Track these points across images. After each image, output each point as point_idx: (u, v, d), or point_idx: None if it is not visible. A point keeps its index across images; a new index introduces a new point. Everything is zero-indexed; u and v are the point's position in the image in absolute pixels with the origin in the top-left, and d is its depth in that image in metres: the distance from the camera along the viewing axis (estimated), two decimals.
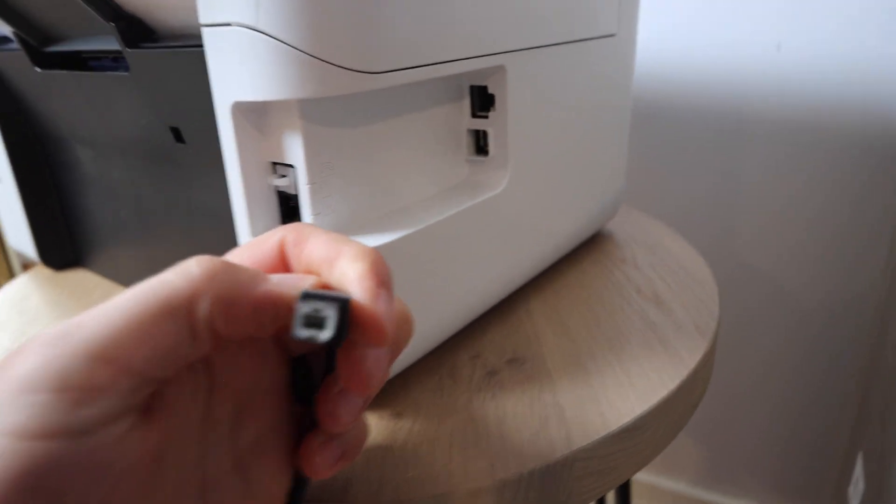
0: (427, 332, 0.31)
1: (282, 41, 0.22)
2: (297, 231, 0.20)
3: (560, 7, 0.34)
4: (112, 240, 0.42)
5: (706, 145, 0.70)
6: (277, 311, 0.18)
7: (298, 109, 0.24)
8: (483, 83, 0.32)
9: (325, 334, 0.17)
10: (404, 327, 0.21)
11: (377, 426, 0.28)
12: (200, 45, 0.25)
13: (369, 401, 0.21)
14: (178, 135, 0.30)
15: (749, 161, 0.68)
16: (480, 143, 0.34)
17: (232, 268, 0.17)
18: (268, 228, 0.27)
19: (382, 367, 0.19)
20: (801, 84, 0.63)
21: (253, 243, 0.21)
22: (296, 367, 0.22)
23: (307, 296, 0.17)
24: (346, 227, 0.27)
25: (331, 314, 0.17)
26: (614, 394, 0.29)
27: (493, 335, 0.35)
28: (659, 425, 0.29)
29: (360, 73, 0.23)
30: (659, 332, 0.35)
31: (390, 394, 0.30)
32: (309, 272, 0.20)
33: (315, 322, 0.17)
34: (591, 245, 0.47)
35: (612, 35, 0.40)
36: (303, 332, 0.17)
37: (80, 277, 0.46)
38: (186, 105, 0.28)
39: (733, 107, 0.67)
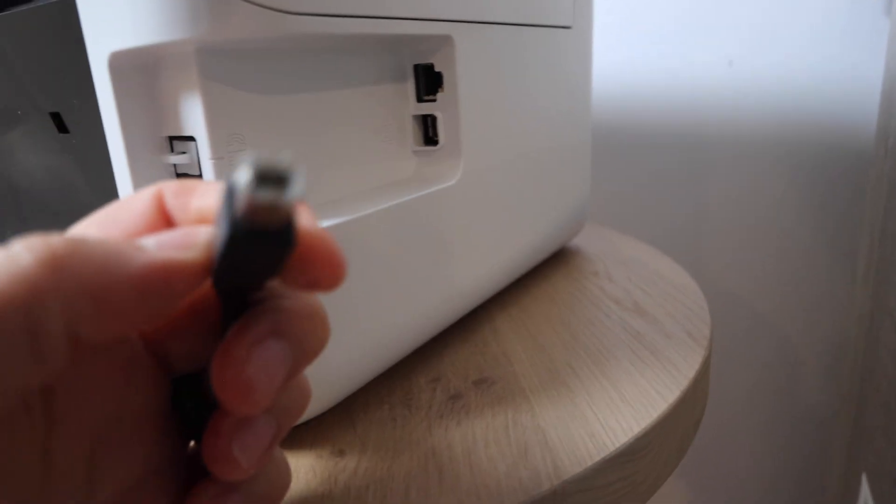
0: (372, 350, 0.25)
1: None
2: (180, 182, 0.15)
3: None
4: None
5: (668, 164, 0.68)
6: (172, 287, 0.12)
7: (196, 62, 0.19)
8: (429, 60, 0.28)
9: (293, 191, 0.11)
10: (317, 325, 0.15)
11: (313, 468, 0.21)
12: None
13: (282, 435, 0.15)
14: (59, 122, 0.25)
15: (711, 177, 0.66)
16: (429, 133, 0.29)
17: (83, 245, 0.12)
18: None
19: (274, 367, 0.13)
20: (754, 99, 0.62)
21: (113, 206, 0.15)
22: (180, 387, 0.16)
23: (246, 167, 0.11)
24: None
25: (294, 173, 0.11)
26: (605, 411, 0.24)
27: (454, 356, 0.29)
28: (662, 446, 0.24)
29: (269, 11, 0.19)
30: (647, 342, 0.30)
31: (329, 427, 0.24)
32: (203, 223, 0.14)
33: (269, 178, 0.11)
34: (557, 260, 0.42)
35: (568, 27, 0.37)
36: (261, 193, 0.10)
37: None
38: (63, 78, 0.23)
39: (692, 124, 0.65)
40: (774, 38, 0.59)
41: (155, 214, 0.15)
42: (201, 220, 0.14)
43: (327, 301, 0.15)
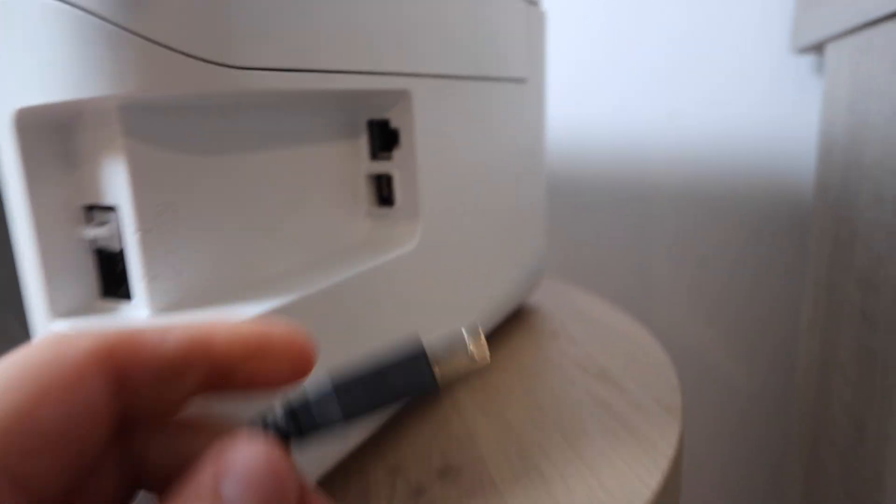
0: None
1: (87, 10, 0.15)
2: (123, 335, 0.12)
3: (469, 35, 0.29)
4: None
5: (614, 215, 0.68)
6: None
7: (120, 120, 0.17)
8: (384, 116, 0.26)
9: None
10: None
11: None
12: None
13: None
14: None
15: (656, 228, 0.66)
16: (383, 192, 0.27)
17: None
18: (77, 308, 0.18)
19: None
20: (694, 150, 0.63)
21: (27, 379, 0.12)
22: None
23: None
24: (199, 295, 0.19)
25: None
26: (585, 503, 0.22)
27: (414, 439, 0.26)
28: None
29: (211, 65, 0.16)
30: (618, 415, 0.28)
31: None
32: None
33: None
34: (515, 320, 0.40)
35: (522, 80, 0.36)
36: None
37: None
38: None
39: (635, 176, 0.66)
40: (711, 90, 0.61)
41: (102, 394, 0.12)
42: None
43: None
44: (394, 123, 0.26)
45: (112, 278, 0.19)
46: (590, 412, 0.28)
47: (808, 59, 0.57)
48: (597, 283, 0.69)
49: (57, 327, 0.18)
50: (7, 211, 0.17)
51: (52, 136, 0.17)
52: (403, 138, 0.26)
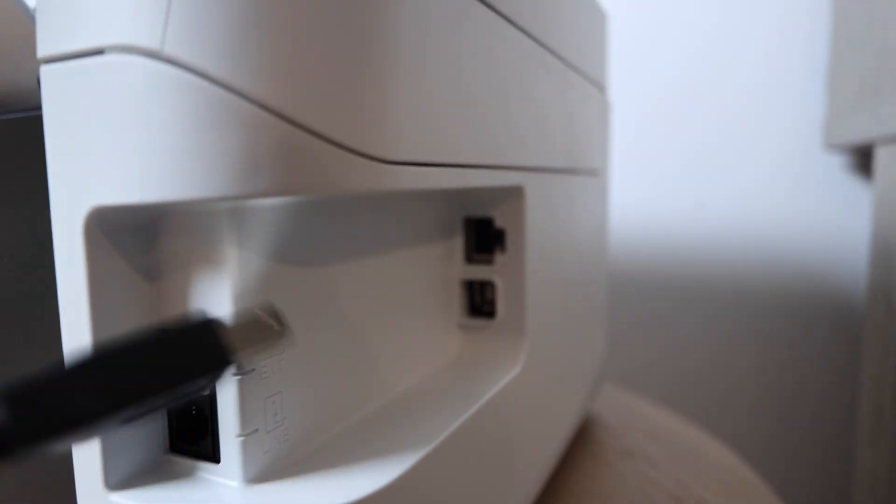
0: None
1: (217, 82, 0.11)
2: None
3: (566, 124, 0.26)
4: None
5: (648, 311, 0.64)
6: None
7: (230, 224, 0.13)
8: (487, 213, 0.22)
9: None
10: None
11: None
12: (36, 109, 0.13)
13: None
14: None
15: (697, 324, 0.63)
16: (476, 301, 0.23)
17: None
18: (139, 470, 0.14)
19: None
20: (724, 244, 0.61)
21: None
22: None
23: None
24: (299, 456, 0.14)
25: None
26: None
27: None
28: None
29: (363, 159, 0.12)
30: None
31: None
32: None
33: None
34: (580, 436, 0.36)
35: (595, 172, 0.33)
36: None
37: None
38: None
39: (672, 270, 0.63)
40: (744, 184, 0.59)
41: None
42: None
43: None
44: (499, 223, 0.22)
45: (187, 429, 0.14)
46: None
47: (840, 158, 0.56)
48: (637, 385, 0.65)
49: (115, 502, 0.13)
50: (61, 335, 0.13)
51: (129, 240, 0.13)
52: (510, 240, 0.22)
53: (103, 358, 0.10)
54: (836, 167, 0.56)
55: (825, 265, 0.58)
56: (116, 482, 0.13)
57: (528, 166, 0.22)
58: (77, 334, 0.12)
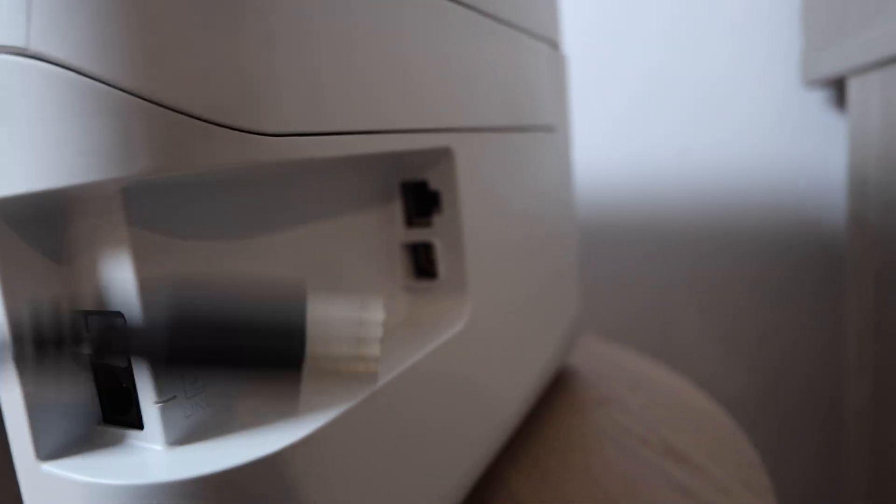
0: None
1: (82, 73, 0.12)
2: None
3: (504, 82, 0.26)
4: None
5: (632, 257, 0.65)
6: None
7: (123, 205, 0.13)
8: (420, 177, 0.23)
9: None
10: None
11: None
12: None
13: None
14: None
15: (677, 270, 0.63)
16: (420, 263, 0.24)
17: None
18: (73, 441, 0.15)
19: None
20: (706, 187, 0.61)
21: None
22: None
23: None
24: (223, 419, 0.15)
25: None
26: None
27: None
28: None
29: (238, 133, 0.13)
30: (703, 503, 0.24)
31: None
32: None
33: None
34: (556, 387, 0.37)
35: (551, 128, 0.33)
36: None
37: None
38: None
39: (650, 216, 0.63)
40: (725, 128, 0.59)
41: None
42: None
43: None
44: (434, 185, 0.22)
45: (116, 401, 0.15)
46: (671, 501, 0.24)
47: (819, 94, 0.55)
48: (619, 334, 0.66)
49: (47, 471, 0.14)
50: None
51: (35, 228, 0.14)
52: (446, 201, 0.22)
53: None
54: (814, 104, 0.56)
55: (808, 202, 0.58)
56: (48, 453, 0.14)
57: (455, 127, 0.22)
58: None
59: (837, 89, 0.54)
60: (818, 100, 0.56)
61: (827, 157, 0.56)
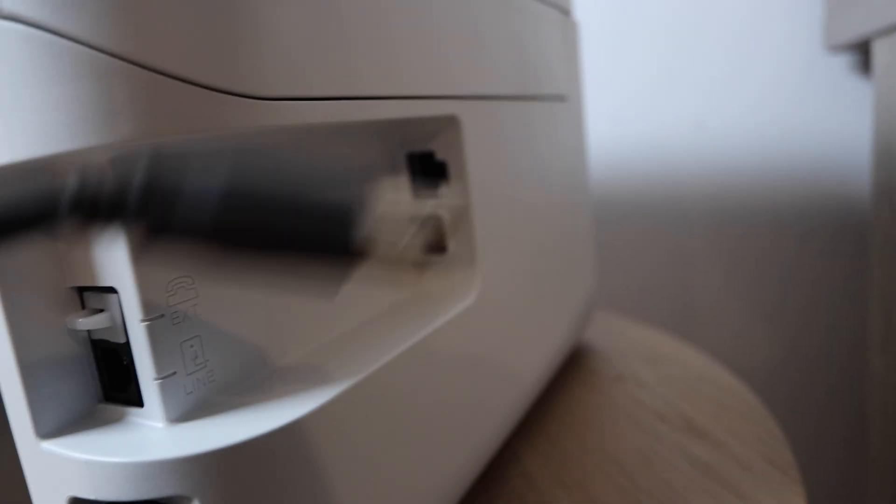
0: None
1: (61, 34, 0.11)
2: None
3: (512, 49, 0.26)
4: None
5: (649, 231, 0.64)
6: None
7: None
8: (426, 147, 0.22)
9: None
10: None
11: None
12: None
13: None
14: None
15: (695, 245, 0.62)
16: (428, 236, 0.23)
17: None
18: (72, 420, 0.14)
19: None
20: (728, 161, 0.59)
21: None
22: None
23: None
24: (227, 395, 0.15)
25: None
26: None
27: None
28: None
29: (229, 97, 0.12)
30: (725, 481, 0.23)
31: None
32: None
33: None
34: (571, 364, 0.36)
35: (563, 97, 0.32)
36: None
37: None
38: None
39: (668, 191, 0.62)
40: (744, 98, 0.57)
41: None
42: None
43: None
44: (440, 155, 0.22)
45: (116, 378, 0.15)
46: (689, 478, 0.24)
47: (843, 59, 0.53)
48: (637, 308, 0.65)
49: (47, 449, 0.13)
50: None
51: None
52: (453, 171, 0.22)
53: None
54: (838, 69, 0.54)
55: (831, 172, 0.56)
56: (47, 431, 0.14)
57: (461, 94, 0.21)
58: None
59: (862, 53, 0.52)
60: (841, 65, 0.54)
61: (851, 125, 0.54)
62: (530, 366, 0.27)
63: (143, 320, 0.13)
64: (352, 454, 0.15)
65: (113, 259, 0.13)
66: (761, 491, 0.23)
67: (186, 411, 0.14)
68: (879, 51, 0.45)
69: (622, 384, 0.33)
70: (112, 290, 0.14)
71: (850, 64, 0.54)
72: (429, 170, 0.22)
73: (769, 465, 0.24)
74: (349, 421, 0.15)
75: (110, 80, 0.11)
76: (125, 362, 0.14)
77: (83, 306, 0.14)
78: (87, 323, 0.14)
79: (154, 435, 0.13)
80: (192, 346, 0.14)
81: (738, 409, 0.29)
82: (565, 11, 0.34)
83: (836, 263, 0.58)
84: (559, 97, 0.32)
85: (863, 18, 0.45)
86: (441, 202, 0.22)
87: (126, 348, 0.14)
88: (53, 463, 0.13)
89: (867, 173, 0.54)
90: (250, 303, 0.16)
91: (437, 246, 0.23)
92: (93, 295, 0.14)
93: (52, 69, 0.11)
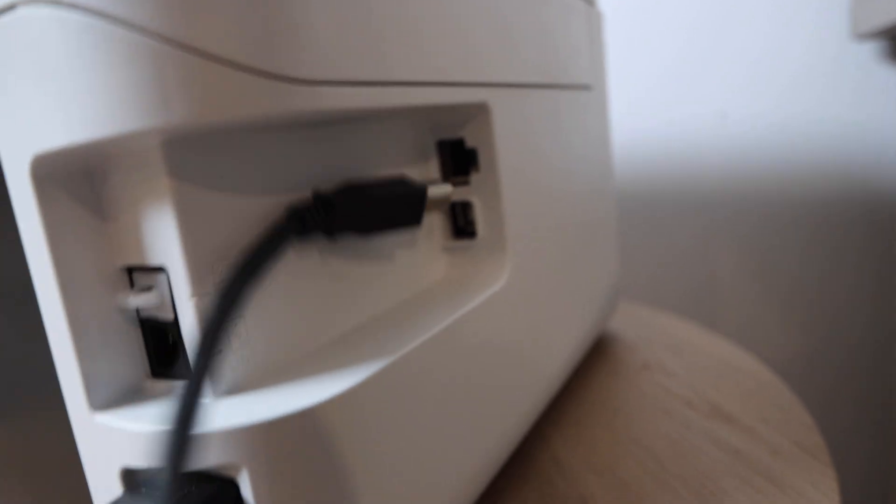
0: None
1: (117, 20, 0.11)
2: None
3: (540, 38, 0.26)
4: None
5: (673, 223, 0.63)
6: None
7: (164, 158, 0.13)
8: (457, 135, 0.22)
9: None
10: None
11: None
12: None
13: None
14: None
15: (720, 238, 0.62)
16: (458, 222, 0.23)
17: None
18: (123, 393, 0.15)
19: None
20: (748, 150, 0.59)
21: None
22: None
23: None
24: (270, 370, 0.16)
25: None
26: None
27: None
28: None
29: (274, 81, 0.13)
30: (754, 464, 0.24)
31: None
32: None
33: None
34: (597, 353, 0.36)
35: (588, 87, 0.32)
36: None
37: None
38: None
39: (692, 182, 0.61)
40: (771, 87, 0.57)
41: None
42: None
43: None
44: (470, 142, 0.22)
45: (164, 354, 0.15)
46: (720, 462, 0.24)
47: (871, 46, 0.53)
48: (660, 298, 0.65)
49: (100, 421, 0.14)
50: (32, 282, 0.14)
51: (78, 184, 0.14)
52: (483, 158, 0.22)
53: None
54: (866, 57, 0.53)
55: (859, 162, 0.55)
56: (100, 403, 0.14)
57: (492, 82, 0.21)
58: (43, 273, 0.14)
59: (890, 39, 0.51)
60: (870, 52, 0.53)
61: (880, 113, 0.53)
62: (558, 351, 0.27)
63: (193, 296, 0.14)
64: (387, 430, 0.16)
65: (162, 238, 0.14)
66: (792, 474, 0.23)
67: (232, 386, 0.15)
68: None
69: (649, 372, 0.33)
70: (161, 269, 0.14)
71: (878, 50, 0.53)
72: (459, 157, 0.23)
73: (799, 449, 0.24)
74: (385, 399, 0.16)
75: (163, 64, 0.12)
76: (171, 340, 0.15)
77: (132, 286, 0.15)
78: (137, 301, 0.14)
79: (202, 408, 0.14)
80: (237, 324, 0.15)
81: (766, 396, 0.29)
82: (590, 2, 0.34)
83: (869, 255, 0.57)
84: (585, 86, 0.32)
85: (890, 4, 0.44)
86: (471, 188, 0.22)
87: (174, 326, 0.14)
88: (106, 434, 0.14)
89: None
90: (291, 285, 0.16)
91: (466, 231, 0.23)
92: (142, 274, 0.15)
93: (109, 55, 0.12)
